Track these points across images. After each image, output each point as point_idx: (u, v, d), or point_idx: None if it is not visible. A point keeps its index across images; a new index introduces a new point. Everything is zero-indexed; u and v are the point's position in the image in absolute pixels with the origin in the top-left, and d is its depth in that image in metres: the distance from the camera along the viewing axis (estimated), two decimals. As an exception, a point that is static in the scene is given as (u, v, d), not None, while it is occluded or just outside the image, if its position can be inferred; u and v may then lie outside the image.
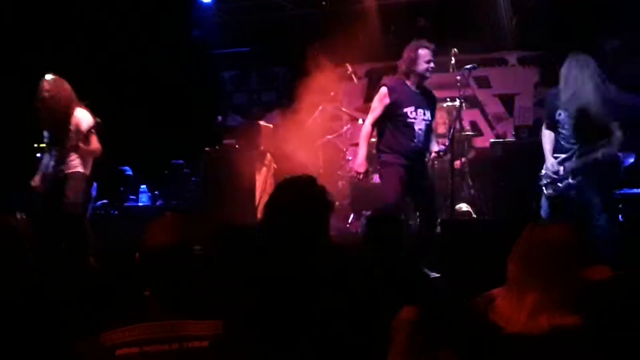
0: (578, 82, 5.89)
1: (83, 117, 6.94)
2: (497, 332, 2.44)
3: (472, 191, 8.65)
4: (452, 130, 6.85)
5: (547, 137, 6.21)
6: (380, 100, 6.54)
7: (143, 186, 10.00)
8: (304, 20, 11.20)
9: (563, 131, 6.05)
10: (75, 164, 6.86)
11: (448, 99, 8.88)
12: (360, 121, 9.45)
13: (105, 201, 9.69)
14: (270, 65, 12.30)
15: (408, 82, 6.58)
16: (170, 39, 11.30)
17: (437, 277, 5.94)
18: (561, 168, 6.05)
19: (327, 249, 3.02)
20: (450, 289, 5.19)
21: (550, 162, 6.10)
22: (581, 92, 5.87)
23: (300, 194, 3.01)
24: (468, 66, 6.97)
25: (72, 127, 6.80)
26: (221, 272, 3.23)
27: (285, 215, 2.98)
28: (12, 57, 9.38)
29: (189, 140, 10.14)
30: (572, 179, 5.98)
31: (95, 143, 7.01)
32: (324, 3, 11.31)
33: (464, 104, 7.65)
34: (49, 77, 6.95)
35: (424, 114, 6.54)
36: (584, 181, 5.93)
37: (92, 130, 6.98)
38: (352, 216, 8.98)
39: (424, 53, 6.49)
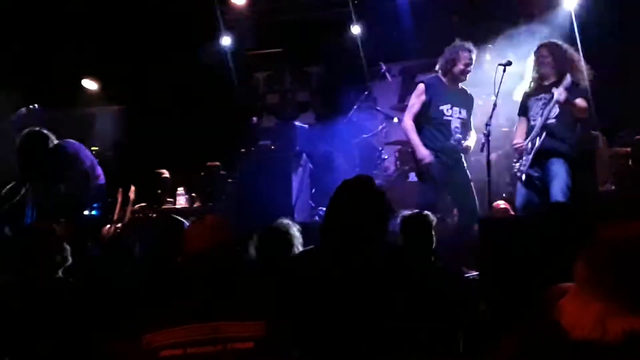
0: None
1: None
2: (563, 337, 2.32)
3: (510, 188, 8.58)
4: (488, 126, 6.81)
5: (521, 124, 6.70)
6: (417, 96, 6.61)
7: (180, 189, 10.04)
8: (337, 19, 11.18)
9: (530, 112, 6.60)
10: None
11: (484, 95, 8.82)
12: (396, 120, 9.43)
13: (143, 204, 9.75)
14: (303, 65, 12.30)
15: (444, 80, 6.62)
16: (204, 42, 11.36)
17: (475, 275, 5.91)
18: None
19: (386, 248, 3.03)
20: (489, 288, 5.16)
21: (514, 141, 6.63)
22: None
23: (362, 194, 3.03)
24: (503, 62, 6.92)
25: None
26: (261, 272, 3.24)
27: (347, 215, 3.00)
28: (47, 63, 9.49)
29: (225, 142, 10.18)
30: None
31: None
32: (355, 2, 11.28)
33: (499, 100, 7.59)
34: None
35: (460, 112, 6.57)
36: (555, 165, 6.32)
37: None
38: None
39: (464, 56, 6.55)
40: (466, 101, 6.76)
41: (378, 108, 9.93)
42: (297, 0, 11.47)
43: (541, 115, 6.39)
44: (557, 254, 4.44)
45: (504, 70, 6.85)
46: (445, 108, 6.58)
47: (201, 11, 11.06)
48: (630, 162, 8.20)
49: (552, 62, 6.47)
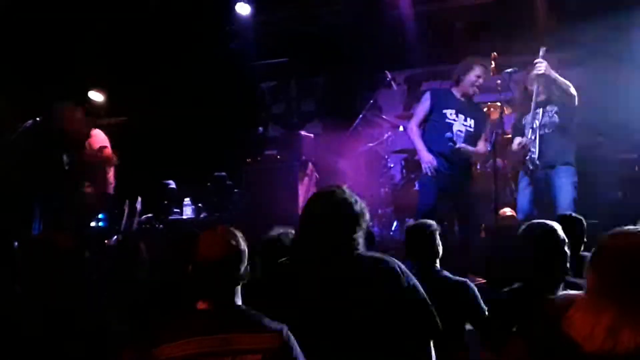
0: None
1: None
2: (575, 350, 2.28)
3: (515, 195, 8.57)
4: (494, 134, 6.81)
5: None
6: (423, 103, 6.65)
7: (187, 199, 10.07)
8: (342, 29, 11.20)
9: None
10: None
11: (489, 103, 8.83)
12: (401, 128, 9.44)
13: (150, 215, 9.78)
14: (308, 75, 12.31)
15: (454, 90, 6.65)
16: (210, 51, 11.39)
17: (481, 282, 5.90)
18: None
19: (359, 259, 3.02)
20: (494, 295, 5.14)
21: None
22: None
23: (327, 206, 3.02)
24: (508, 70, 6.93)
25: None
26: (269, 284, 3.25)
27: (313, 227, 3.00)
28: (53, 76, 9.52)
29: (231, 152, 10.20)
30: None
31: None
32: (360, 11, 11.31)
33: (505, 107, 7.61)
34: None
35: (465, 120, 6.58)
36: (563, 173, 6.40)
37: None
38: (395, 223, 8.95)
39: (476, 70, 6.57)
40: (476, 114, 6.78)
41: (383, 116, 9.94)
42: (302, 10, 11.49)
43: (535, 124, 6.45)
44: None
45: (510, 78, 6.87)
46: (449, 112, 6.62)
47: (206, 22, 11.09)
48: (636, 168, 8.19)
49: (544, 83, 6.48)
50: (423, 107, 6.73)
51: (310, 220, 3.05)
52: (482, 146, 6.83)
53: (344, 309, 2.83)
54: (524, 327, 2.58)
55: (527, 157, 6.43)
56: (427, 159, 6.58)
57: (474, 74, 6.61)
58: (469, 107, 6.72)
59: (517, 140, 6.53)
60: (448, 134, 6.55)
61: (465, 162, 6.80)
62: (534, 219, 6.06)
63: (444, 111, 6.62)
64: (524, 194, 6.62)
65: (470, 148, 6.63)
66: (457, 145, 6.50)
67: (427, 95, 6.75)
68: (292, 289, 2.96)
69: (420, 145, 6.65)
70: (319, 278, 2.92)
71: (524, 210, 6.58)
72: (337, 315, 2.82)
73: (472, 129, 6.68)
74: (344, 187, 3.17)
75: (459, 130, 6.62)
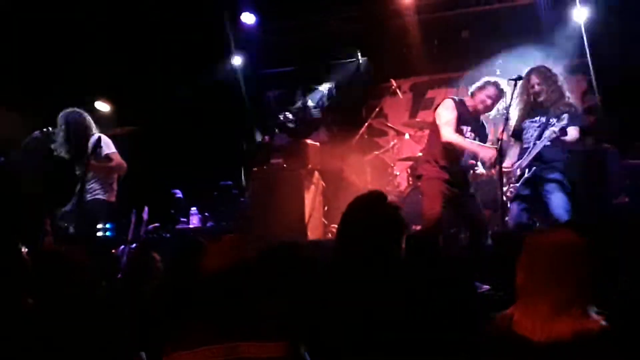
0: None
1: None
2: (525, 343, 2.48)
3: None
4: (499, 141, 6.80)
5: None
6: (452, 111, 6.58)
7: (193, 208, 10.08)
8: (347, 37, 11.23)
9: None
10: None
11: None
12: (407, 136, 9.45)
13: (157, 224, 9.79)
14: (314, 83, 12.34)
15: (468, 104, 6.67)
16: (215, 61, 11.43)
17: (488, 289, 5.90)
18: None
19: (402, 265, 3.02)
20: (502, 302, 5.13)
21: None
22: None
23: (372, 211, 3.01)
24: (513, 76, 6.93)
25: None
26: (278, 292, 3.25)
27: (358, 233, 2.98)
28: (60, 86, 9.55)
29: (237, 161, 10.22)
30: (528, 172, 6.64)
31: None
32: (365, 19, 11.34)
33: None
34: None
35: (475, 139, 6.59)
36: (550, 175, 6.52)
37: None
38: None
39: (489, 90, 6.62)
40: (482, 133, 6.79)
41: (389, 124, 9.95)
42: (308, 19, 11.52)
43: (534, 142, 6.56)
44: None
45: (515, 85, 6.86)
46: (465, 129, 6.61)
47: (212, 31, 11.13)
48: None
49: (545, 87, 6.62)
50: (452, 115, 6.61)
51: (357, 226, 3.04)
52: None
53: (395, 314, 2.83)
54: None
55: (506, 187, 6.64)
56: (490, 154, 6.47)
57: (486, 94, 6.62)
58: (478, 126, 6.74)
59: (506, 164, 6.67)
60: (464, 162, 6.65)
61: (467, 175, 6.86)
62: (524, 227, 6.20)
63: (462, 127, 6.62)
64: (516, 203, 6.71)
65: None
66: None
67: (451, 104, 6.65)
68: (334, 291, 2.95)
69: (473, 145, 6.56)
70: (368, 285, 2.90)
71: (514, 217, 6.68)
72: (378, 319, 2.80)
73: None
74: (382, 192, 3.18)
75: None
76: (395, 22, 10.85)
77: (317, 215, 8.63)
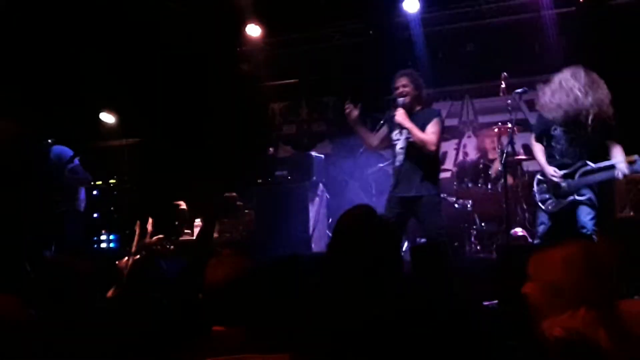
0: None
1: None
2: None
3: (527, 215, 8.55)
4: (504, 154, 6.80)
5: (540, 149, 6.34)
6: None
7: (197, 220, 10.08)
8: (352, 50, 11.25)
9: (558, 146, 6.17)
10: None
11: (499, 123, 8.83)
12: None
13: (161, 236, 9.78)
14: (319, 96, 12.35)
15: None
16: (220, 74, 11.45)
17: (494, 304, 5.87)
18: (564, 183, 6.10)
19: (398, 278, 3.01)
20: (507, 316, 5.12)
21: (552, 169, 6.15)
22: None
23: (360, 224, 3.01)
24: (519, 90, 6.92)
25: None
26: (281, 303, 3.24)
27: (348, 247, 2.98)
28: (64, 97, 9.58)
29: (241, 173, 10.22)
30: (578, 195, 6.03)
31: None
32: (370, 32, 11.36)
33: (515, 128, 7.60)
34: None
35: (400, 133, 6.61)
36: (588, 193, 6.03)
37: None
38: (406, 244, 8.93)
39: (395, 79, 6.61)
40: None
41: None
42: (312, 32, 11.55)
43: (583, 163, 6.08)
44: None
45: (520, 98, 6.85)
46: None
47: (217, 43, 11.16)
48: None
49: (590, 91, 6.00)
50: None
51: (345, 241, 3.04)
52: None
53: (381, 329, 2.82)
54: None
55: (543, 197, 6.32)
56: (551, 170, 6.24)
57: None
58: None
59: (552, 172, 6.19)
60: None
61: None
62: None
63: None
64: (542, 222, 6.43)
65: None
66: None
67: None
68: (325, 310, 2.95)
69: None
70: (363, 299, 2.89)
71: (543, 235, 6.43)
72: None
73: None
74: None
75: (401, 147, 6.60)
76: (401, 34, 10.87)
77: (321, 227, 8.63)
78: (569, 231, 6.16)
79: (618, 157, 5.92)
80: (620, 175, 5.91)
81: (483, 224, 8.62)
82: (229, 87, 11.47)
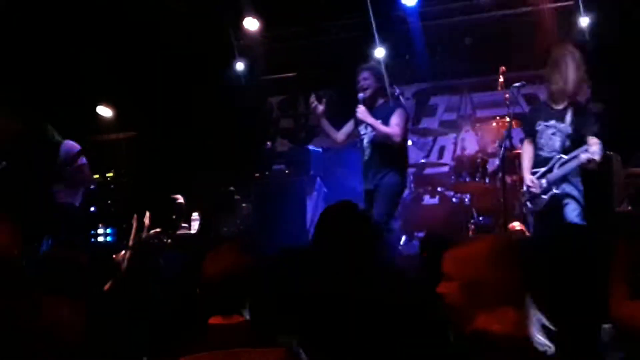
0: None
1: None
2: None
3: (524, 209, 8.55)
4: (502, 148, 6.79)
5: (527, 154, 6.34)
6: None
7: (195, 214, 10.07)
8: (350, 44, 11.24)
9: (541, 140, 6.18)
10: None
11: (498, 117, 8.82)
12: (410, 143, 9.43)
13: (158, 230, 9.77)
14: (316, 89, 12.35)
15: None
16: (217, 67, 11.44)
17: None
18: (543, 181, 6.12)
19: (378, 272, 3.03)
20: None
21: (529, 179, 6.19)
22: None
23: (341, 220, 3.04)
24: (517, 84, 6.92)
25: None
26: (277, 298, 3.25)
27: (329, 241, 3.01)
28: (61, 91, 9.58)
29: (239, 167, 10.21)
30: (556, 189, 6.06)
31: None
32: (368, 26, 11.35)
33: (513, 122, 7.59)
34: None
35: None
36: (569, 188, 6.06)
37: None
38: (404, 238, 8.93)
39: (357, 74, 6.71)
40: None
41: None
42: (310, 25, 11.53)
43: (559, 156, 6.11)
44: (574, 274, 4.43)
45: (518, 92, 6.85)
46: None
47: (214, 37, 11.14)
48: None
49: (574, 75, 6.08)
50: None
51: (326, 235, 3.07)
52: None
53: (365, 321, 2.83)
54: None
55: (528, 196, 6.37)
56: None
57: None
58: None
59: (530, 179, 6.24)
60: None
61: None
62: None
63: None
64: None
65: None
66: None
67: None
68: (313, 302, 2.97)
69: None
70: (345, 291, 2.92)
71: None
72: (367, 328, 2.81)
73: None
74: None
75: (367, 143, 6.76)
76: (399, 28, 10.86)
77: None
78: (556, 227, 6.18)
79: (591, 146, 5.87)
80: (584, 158, 5.86)
81: (481, 218, 8.62)
82: (226, 81, 11.47)
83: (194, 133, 10.99)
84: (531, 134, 6.30)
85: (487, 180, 8.57)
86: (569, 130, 6.06)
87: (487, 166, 8.74)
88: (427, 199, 9.03)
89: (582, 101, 6.27)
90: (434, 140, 11.00)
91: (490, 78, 8.27)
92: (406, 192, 9.42)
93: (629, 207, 7.89)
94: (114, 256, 7.53)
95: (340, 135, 6.91)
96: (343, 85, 11.67)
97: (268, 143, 10.50)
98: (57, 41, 9.50)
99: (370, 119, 6.46)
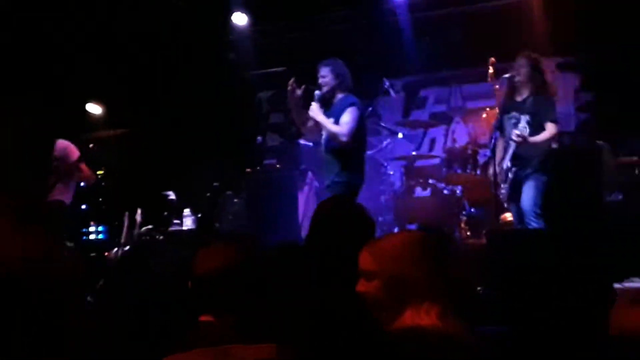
0: None
1: None
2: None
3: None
4: (493, 139, 6.81)
5: (498, 147, 6.82)
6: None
7: (186, 210, 10.07)
8: (340, 37, 11.23)
9: (505, 132, 6.78)
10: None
11: (488, 108, 8.83)
12: (400, 135, 9.45)
13: (150, 226, 9.77)
14: (306, 84, 12.33)
15: None
16: (207, 62, 11.41)
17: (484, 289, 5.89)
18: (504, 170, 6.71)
19: None
20: (497, 299, 5.15)
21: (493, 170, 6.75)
22: None
23: (336, 214, 3.04)
24: (507, 75, 6.94)
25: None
26: (271, 294, 3.25)
27: (325, 236, 3.02)
28: (51, 86, 9.55)
29: (230, 162, 10.20)
30: (512, 174, 6.70)
31: None
32: (358, 19, 11.35)
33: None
34: None
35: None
36: (527, 177, 6.63)
37: None
38: (396, 230, 8.95)
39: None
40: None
41: (382, 124, 9.95)
42: (299, 19, 11.52)
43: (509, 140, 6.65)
44: (565, 265, 4.45)
45: (509, 83, 6.87)
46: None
47: (204, 32, 11.12)
48: (637, 172, 8.18)
49: (529, 74, 6.68)
50: None
51: (322, 230, 3.07)
52: None
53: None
54: None
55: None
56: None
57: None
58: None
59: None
60: None
61: None
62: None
63: None
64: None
65: None
66: None
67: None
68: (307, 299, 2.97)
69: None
70: (339, 286, 2.89)
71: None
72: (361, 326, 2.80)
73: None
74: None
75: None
76: (388, 20, 10.86)
77: (311, 215, 8.62)
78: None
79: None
80: (514, 137, 6.43)
81: (473, 209, 8.64)
82: (216, 76, 11.44)
83: (185, 129, 10.98)
84: (499, 128, 6.75)
85: (478, 172, 8.59)
86: (528, 118, 6.54)
87: (478, 157, 8.76)
88: (419, 191, 9.03)
89: (541, 93, 6.68)
90: (425, 133, 11.00)
91: (480, 69, 8.26)
92: (397, 184, 9.45)
93: (620, 197, 7.93)
94: (105, 254, 7.55)
95: (304, 129, 6.89)
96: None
97: (259, 138, 10.49)
98: (45, 38, 9.47)
99: (319, 117, 6.43)
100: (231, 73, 11.65)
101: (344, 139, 6.31)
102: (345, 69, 6.63)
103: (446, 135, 10.11)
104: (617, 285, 5.15)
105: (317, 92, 6.49)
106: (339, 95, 6.56)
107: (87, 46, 9.87)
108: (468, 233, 8.47)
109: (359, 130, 6.47)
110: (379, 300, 2.45)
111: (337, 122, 6.39)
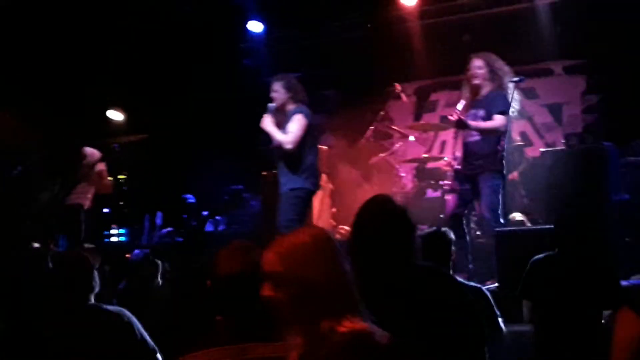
0: None
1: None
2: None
3: (525, 200, 8.71)
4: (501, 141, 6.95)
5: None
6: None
7: (205, 213, 10.23)
8: (352, 43, 11.38)
9: None
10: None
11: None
12: (412, 138, 9.60)
13: (170, 229, 9.94)
14: (320, 89, 12.49)
15: None
16: (224, 68, 11.59)
17: (494, 287, 6.07)
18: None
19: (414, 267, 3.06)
20: (507, 298, 5.29)
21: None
22: None
23: (379, 213, 3.08)
24: (515, 78, 7.07)
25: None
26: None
27: (368, 235, 3.03)
28: (72, 96, 9.73)
29: (247, 166, 10.38)
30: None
31: None
32: (369, 25, 11.51)
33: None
34: None
35: None
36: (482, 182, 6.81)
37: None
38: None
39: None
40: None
41: (394, 127, 10.09)
42: (313, 26, 11.67)
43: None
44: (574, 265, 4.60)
45: (516, 87, 7.01)
46: None
47: (220, 39, 11.29)
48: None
49: (486, 74, 6.89)
50: None
51: (365, 229, 3.06)
52: None
53: (403, 318, 2.75)
54: None
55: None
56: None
57: None
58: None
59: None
60: None
61: None
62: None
63: None
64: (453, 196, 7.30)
65: None
66: None
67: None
68: None
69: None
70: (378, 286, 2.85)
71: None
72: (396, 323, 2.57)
73: None
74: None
75: None
76: (399, 26, 11.01)
77: (325, 216, 8.78)
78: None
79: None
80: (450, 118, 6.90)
81: (483, 210, 8.76)
82: (233, 82, 11.61)
83: (202, 134, 11.14)
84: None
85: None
86: (482, 113, 6.78)
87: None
88: (430, 193, 9.18)
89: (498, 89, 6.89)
90: (435, 136, 11.16)
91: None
92: (409, 186, 9.59)
93: (626, 197, 8.05)
94: (127, 255, 7.75)
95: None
96: (345, 84, 11.87)
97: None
98: (67, 46, 9.64)
99: (268, 128, 6.69)
100: (247, 79, 11.82)
101: (288, 146, 6.56)
102: (298, 83, 6.86)
103: (456, 138, 10.26)
104: (623, 283, 5.30)
105: (270, 105, 6.70)
106: (291, 107, 6.76)
107: (109, 55, 10.04)
108: (478, 233, 8.60)
109: (305, 138, 6.68)
110: (282, 307, 2.29)
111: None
